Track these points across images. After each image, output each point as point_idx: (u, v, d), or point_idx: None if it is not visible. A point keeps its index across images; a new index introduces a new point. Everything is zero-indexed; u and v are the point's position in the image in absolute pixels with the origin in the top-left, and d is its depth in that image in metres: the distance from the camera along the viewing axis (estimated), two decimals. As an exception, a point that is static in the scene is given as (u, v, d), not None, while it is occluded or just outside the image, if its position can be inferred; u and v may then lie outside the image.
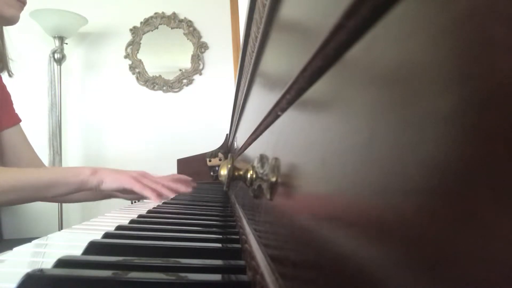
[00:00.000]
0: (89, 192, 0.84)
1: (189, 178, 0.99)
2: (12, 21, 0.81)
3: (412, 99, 0.09)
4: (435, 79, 0.08)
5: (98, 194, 0.89)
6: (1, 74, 0.92)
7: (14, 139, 0.96)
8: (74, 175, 0.76)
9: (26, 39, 2.09)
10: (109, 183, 0.78)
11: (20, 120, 0.99)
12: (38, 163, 1.02)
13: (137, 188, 0.78)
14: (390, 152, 0.10)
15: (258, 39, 0.37)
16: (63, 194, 0.77)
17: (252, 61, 0.44)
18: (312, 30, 0.18)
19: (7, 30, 0.90)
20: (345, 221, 0.13)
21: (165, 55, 2.35)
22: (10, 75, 0.93)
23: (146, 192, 0.78)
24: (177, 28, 2.32)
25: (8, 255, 0.37)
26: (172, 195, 0.82)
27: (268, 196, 0.26)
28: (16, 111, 1.00)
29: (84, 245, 0.37)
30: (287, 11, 0.25)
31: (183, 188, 0.86)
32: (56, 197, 0.80)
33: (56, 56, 2.09)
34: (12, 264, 0.35)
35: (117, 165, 1.21)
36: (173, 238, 0.43)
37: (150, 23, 2.33)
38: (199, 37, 2.32)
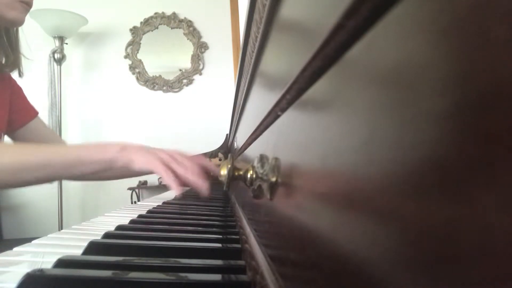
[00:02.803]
0: (120, 170, 0.78)
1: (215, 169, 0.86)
2: (15, 23, 0.81)
3: (412, 99, 0.09)
4: (435, 79, 0.08)
5: (129, 172, 0.81)
6: (10, 72, 0.92)
7: (38, 127, 0.97)
8: (102, 152, 0.73)
9: (26, 39, 2.09)
10: (140, 164, 0.74)
11: (37, 113, 0.99)
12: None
13: (163, 175, 0.74)
14: (390, 152, 0.10)
15: (258, 39, 0.37)
16: (91, 173, 0.74)
17: (252, 61, 0.44)
18: (312, 30, 0.18)
19: (22, 29, 0.90)
20: (345, 221, 0.13)
21: (165, 55, 2.36)
22: (20, 75, 0.93)
23: (171, 184, 0.73)
24: (177, 28, 2.32)
25: (8, 255, 0.37)
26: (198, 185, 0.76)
27: (268, 196, 0.26)
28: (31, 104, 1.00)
29: (84, 245, 0.37)
30: (287, 11, 0.25)
31: (204, 188, 0.77)
32: (86, 176, 0.77)
33: (56, 56, 2.09)
34: (12, 264, 0.35)
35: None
36: (173, 238, 0.43)
37: (150, 23, 2.33)
38: (199, 37, 2.32)
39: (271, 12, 0.30)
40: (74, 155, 0.72)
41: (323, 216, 0.15)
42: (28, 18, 0.85)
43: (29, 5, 0.82)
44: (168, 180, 0.73)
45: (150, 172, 0.77)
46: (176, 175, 0.75)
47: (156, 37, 2.33)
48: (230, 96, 2.14)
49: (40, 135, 0.97)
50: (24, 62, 0.96)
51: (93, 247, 0.37)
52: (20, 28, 0.88)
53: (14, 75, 0.94)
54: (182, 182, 0.76)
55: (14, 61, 0.90)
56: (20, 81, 0.97)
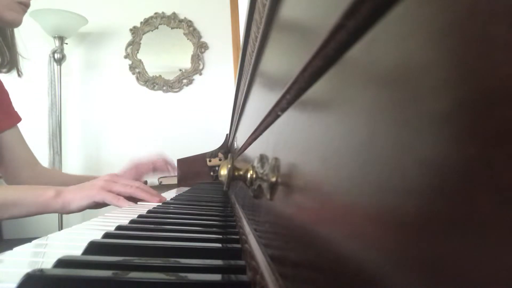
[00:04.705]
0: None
1: (154, 192, 0.86)
2: (13, 24, 0.81)
3: (412, 99, 0.09)
4: (435, 79, 0.08)
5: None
6: (7, 73, 0.92)
7: (13, 139, 0.95)
8: (34, 196, 0.73)
9: (26, 39, 2.09)
10: (78, 202, 0.75)
11: (20, 119, 0.98)
12: (34, 162, 1.01)
13: (109, 199, 0.76)
14: (390, 152, 0.10)
15: (258, 39, 0.37)
16: (26, 215, 0.73)
17: (252, 61, 0.44)
18: (312, 30, 0.18)
19: (19, 30, 0.90)
20: (345, 221, 0.13)
21: (165, 55, 2.35)
22: (19, 75, 0.93)
23: (120, 203, 0.75)
24: (177, 28, 2.32)
25: (8, 255, 0.37)
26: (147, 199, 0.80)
27: (268, 196, 0.26)
28: (15, 110, 0.99)
29: (84, 245, 0.37)
30: (287, 11, 0.25)
31: (155, 200, 0.81)
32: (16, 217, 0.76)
33: (56, 56, 2.09)
34: (12, 264, 0.35)
35: (117, 165, 1.21)
36: (173, 238, 0.43)
37: (150, 23, 2.33)
38: (199, 37, 2.32)
39: (271, 12, 0.30)
40: (11, 196, 0.72)
41: (323, 216, 0.15)
42: (28, 18, 0.85)
43: (26, 6, 0.82)
44: (117, 202, 0.75)
45: (94, 205, 0.77)
46: (120, 194, 0.77)
47: (156, 37, 2.33)
48: (230, 96, 2.14)
49: (11, 147, 0.94)
50: (23, 62, 0.95)
51: (93, 247, 0.37)
52: (19, 28, 0.88)
53: (13, 75, 0.93)
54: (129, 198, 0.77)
55: (11, 61, 0.90)
56: (20, 81, 0.97)
